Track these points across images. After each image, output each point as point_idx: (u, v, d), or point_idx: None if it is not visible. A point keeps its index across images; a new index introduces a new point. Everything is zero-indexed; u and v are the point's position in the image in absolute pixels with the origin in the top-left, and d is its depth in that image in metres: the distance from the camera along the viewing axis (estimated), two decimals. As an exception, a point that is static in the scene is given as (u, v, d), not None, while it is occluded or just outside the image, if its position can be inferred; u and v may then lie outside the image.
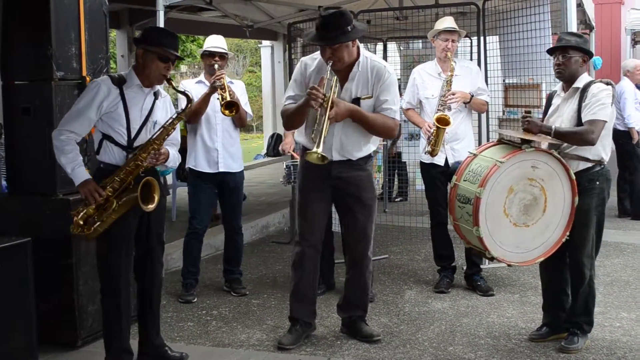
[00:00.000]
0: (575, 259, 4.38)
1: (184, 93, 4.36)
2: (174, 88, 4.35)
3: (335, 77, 4.23)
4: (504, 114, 7.22)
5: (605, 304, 5.30)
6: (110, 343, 4.05)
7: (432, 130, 5.48)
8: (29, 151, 4.61)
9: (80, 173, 3.84)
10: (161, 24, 6.13)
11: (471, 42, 7.74)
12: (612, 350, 4.43)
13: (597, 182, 4.31)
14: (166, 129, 4.01)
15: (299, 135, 4.62)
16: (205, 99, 5.34)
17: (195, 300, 5.58)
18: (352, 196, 4.51)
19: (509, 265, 4.49)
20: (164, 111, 4.16)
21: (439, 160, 5.62)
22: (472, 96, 5.62)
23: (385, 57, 9.77)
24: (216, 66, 5.44)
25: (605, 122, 4.20)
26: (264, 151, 16.95)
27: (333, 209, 4.72)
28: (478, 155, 4.44)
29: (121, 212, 3.87)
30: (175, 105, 5.04)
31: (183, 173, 7.32)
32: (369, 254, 4.66)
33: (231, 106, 5.34)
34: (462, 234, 4.46)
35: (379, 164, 9.77)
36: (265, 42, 16.88)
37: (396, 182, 10.47)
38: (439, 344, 4.58)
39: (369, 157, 4.58)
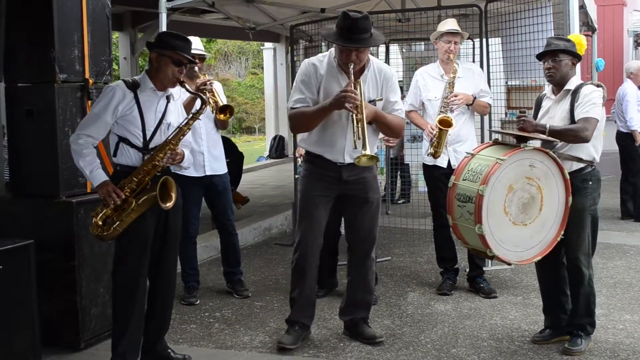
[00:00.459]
0: (572, 258, 4.40)
1: (198, 95, 4.39)
2: (187, 90, 4.37)
3: (360, 80, 4.29)
4: (506, 115, 7.23)
5: (609, 306, 5.29)
6: (119, 340, 4.05)
7: (434, 132, 5.48)
8: (32, 153, 4.61)
9: (98, 175, 3.90)
10: (164, 26, 6.14)
11: (473, 44, 7.73)
12: (615, 353, 4.42)
13: (590, 182, 4.38)
14: (182, 130, 4.08)
15: (302, 141, 4.61)
16: (191, 103, 5.26)
17: (198, 302, 5.59)
18: (360, 197, 4.54)
19: (508, 264, 4.49)
20: (177, 114, 4.23)
21: (442, 162, 5.62)
22: (475, 98, 5.62)
23: (387, 59, 9.77)
24: (196, 68, 5.42)
25: (598, 120, 4.27)
26: (267, 153, 16.98)
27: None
28: (476, 155, 4.46)
29: (140, 211, 3.93)
30: None
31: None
32: (372, 255, 4.67)
33: (225, 109, 5.38)
34: (461, 235, 4.46)
35: (381, 166, 9.79)
36: (268, 44, 16.91)
37: (399, 184, 10.47)
38: (441, 346, 4.58)
39: None
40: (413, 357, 4.41)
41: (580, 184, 4.35)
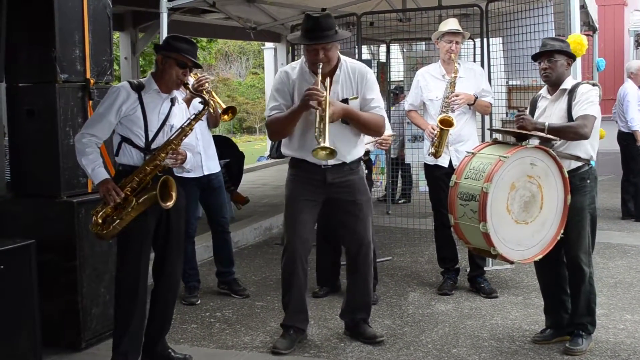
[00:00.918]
0: (573, 257, 4.41)
1: (200, 96, 4.41)
2: (191, 92, 4.44)
3: (328, 78, 4.27)
4: (507, 115, 7.22)
5: (609, 306, 5.29)
6: (121, 341, 4.05)
7: (435, 132, 5.48)
8: (33, 153, 4.62)
9: (99, 173, 3.92)
10: (164, 26, 6.14)
11: (474, 44, 7.74)
12: (616, 353, 4.42)
13: (588, 181, 4.40)
14: (184, 130, 4.10)
15: (285, 148, 4.60)
16: (188, 102, 5.24)
17: (199, 302, 5.59)
18: (348, 200, 4.53)
19: (511, 263, 4.49)
20: (181, 117, 4.25)
21: (443, 161, 5.62)
22: (476, 98, 5.62)
23: (388, 59, 9.78)
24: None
25: (596, 117, 4.29)
26: (267, 153, 16.97)
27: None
28: (477, 154, 4.45)
29: (140, 210, 3.94)
30: None
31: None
32: (369, 257, 4.66)
33: (228, 110, 5.40)
34: (462, 234, 4.45)
35: (382, 166, 9.80)
36: (269, 44, 16.91)
37: (399, 184, 10.47)
38: (442, 346, 4.58)
39: (359, 161, 4.62)
40: (414, 357, 4.41)
41: (578, 182, 4.37)
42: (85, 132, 3.99)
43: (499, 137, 4.69)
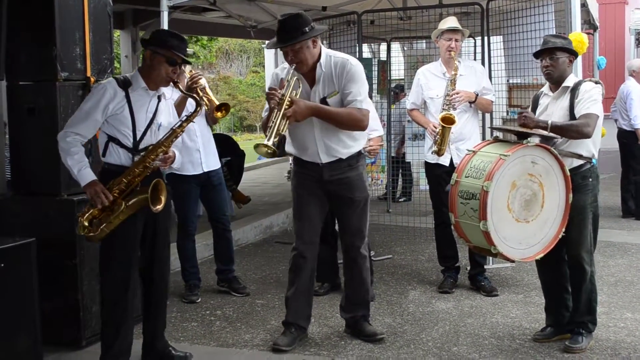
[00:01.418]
0: (574, 255, 4.40)
1: (192, 97, 4.37)
2: (181, 91, 4.35)
3: (296, 77, 4.22)
4: (507, 114, 7.22)
5: (610, 305, 5.29)
6: (112, 344, 4.01)
7: (437, 130, 5.48)
8: (34, 151, 4.62)
9: (86, 174, 3.84)
10: (165, 24, 6.14)
11: (475, 42, 7.73)
12: (616, 351, 4.42)
13: (590, 179, 4.39)
14: (175, 132, 4.03)
15: (288, 146, 4.60)
16: (183, 102, 5.22)
17: (199, 300, 5.59)
18: (345, 197, 4.52)
19: (512, 262, 4.48)
20: (167, 114, 4.18)
21: (444, 160, 5.61)
22: (477, 95, 5.61)
23: (389, 58, 9.78)
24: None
25: (598, 116, 4.27)
26: (268, 151, 16.95)
27: None
28: (477, 152, 4.45)
29: (129, 213, 3.88)
30: None
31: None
32: (364, 252, 4.65)
33: (221, 107, 5.40)
34: (463, 233, 4.45)
35: (382, 164, 9.80)
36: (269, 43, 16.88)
37: (400, 182, 10.47)
38: (443, 344, 4.58)
39: (359, 155, 4.57)
40: (414, 355, 4.42)
41: (581, 180, 4.36)
42: (69, 130, 3.87)
43: (500, 135, 4.68)
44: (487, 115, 6.47)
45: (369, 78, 9.54)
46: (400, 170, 10.24)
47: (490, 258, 6.04)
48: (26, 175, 4.69)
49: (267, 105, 4.39)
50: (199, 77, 5.28)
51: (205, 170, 5.54)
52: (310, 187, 4.53)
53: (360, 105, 4.33)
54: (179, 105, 5.28)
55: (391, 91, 9.83)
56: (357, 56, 7.41)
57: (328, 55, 4.37)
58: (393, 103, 9.86)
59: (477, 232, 4.22)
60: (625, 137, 8.87)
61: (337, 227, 5.36)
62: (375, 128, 5.69)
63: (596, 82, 4.39)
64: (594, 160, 4.43)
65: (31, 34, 4.59)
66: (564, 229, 4.33)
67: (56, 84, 4.48)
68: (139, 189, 3.92)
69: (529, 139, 4.26)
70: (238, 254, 6.80)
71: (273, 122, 4.05)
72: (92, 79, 4.64)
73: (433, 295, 5.67)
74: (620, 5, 14.12)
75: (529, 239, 4.28)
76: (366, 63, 9.19)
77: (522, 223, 4.24)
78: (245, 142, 24.47)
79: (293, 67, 4.20)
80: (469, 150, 4.55)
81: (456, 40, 5.61)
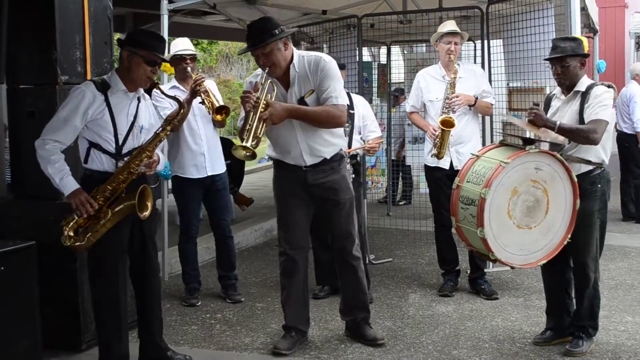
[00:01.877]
0: (579, 262, 4.37)
1: (174, 98, 4.31)
2: (162, 93, 4.27)
3: (270, 80, 4.19)
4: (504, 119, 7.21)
5: (610, 308, 5.29)
6: (108, 349, 4.00)
7: (437, 133, 5.48)
8: (34, 155, 4.59)
9: (69, 183, 3.77)
10: (165, 28, 6.15)
11: (475, 46, 7.74)
12: (616, 354, 4.42)
13: (599, 185, 4.31)
14: (158, 136, 3.96)
15: (269, 149, 4.57)
16: (188, 105, 5.23)
17: (199, 303, 5.59)
18: (330, 200, 4.49)
19: (512, 268, 4.48)
20: (148, 114, 4.11)
21: (444, 163, 5.61)
22: (477, 99, 5.61)
23: (389, 61, 9.78)
24: (189, 69, 5.40)
25: (608, 122, 4.20)
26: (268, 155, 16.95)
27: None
28: (481, 156, 4.44)
29: (115, 220, 3.82)
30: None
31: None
32: (356, 254, 4.63)
33: (222, 110, 5.35)
34: (465, 236, 4.45)
35: (382, 168, 9.81)
36: (269, 46, 16.85)
37: (400, 186, 10.47)
38: (443, 348, 4.58)
39: (341, 158, 4.55)
40: (414, 359, 4.41)
41: (589, 186, 4.29)
42: (47, 137, 3.76)
43: (508, 139, 4.64)
44: (487, 119, 6.47)
45: (369, 81, 9.58)
46: (401, 174, 10.24)
47: (492, 262, 6.03)
48: (26, 178, 4.68)
49: (242, 113, 4.34)
50: (202, 79, 5.27)
51: (210, 174, 5.51)
52: (294, 191, 4.49)
53: (336, 102, 4.29)
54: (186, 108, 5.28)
55: (391, 95, 9.84)
56: (357, 59, 7.41)
57: (300, 56, 4.34)
58: (393, 106, 9.87)
59: (476, 237, 4.23)
60: (626, 140, 8.87)
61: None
62: (373, 130, 5.70)
63: (608, 86, 4.30)
64: (604, 166, 4.34)
65: (31, 38, 4.59)
66: (570, 236, 4.29)
67: (56, 88, 4.48)
68: (124, 195, 3.85)
69: (532, 145, 4.22)
70: (238, 257, 6.78)
71: (250, 124, 4.01)
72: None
73: (433, 298, 5.67)
74: (620, 9, 14.13)
75: (532, 245, 4.27)
76: (366, 66, 9.21)
77: (524, 229, 4.23)
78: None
79: (266, 70, 4.16)
80: (472, 155, 4.55)
81: (455, 44, 5.61)
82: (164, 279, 6.24)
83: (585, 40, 5.17)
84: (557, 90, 4.54)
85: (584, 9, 7.11)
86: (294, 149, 4.38)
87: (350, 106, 5.59)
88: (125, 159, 3.90)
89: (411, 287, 6.04)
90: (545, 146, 4.39)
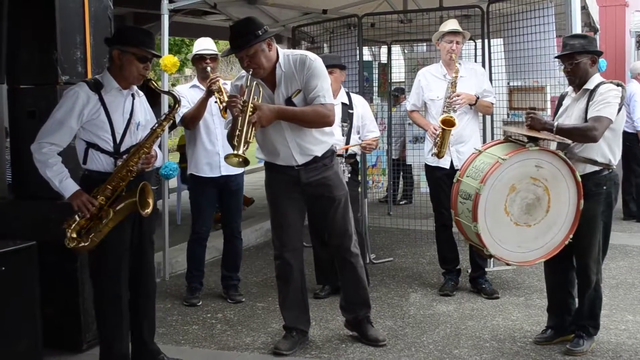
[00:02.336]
0: (581, 263, 4.36)
1: (169, 93, 4.31)
2: (156, 88, 4.21)
3: (256, 82, 4.15)
4: (508, 116, 7.22)
5: (611, 307, 5.28)
6: (110, 349, 3.99)
7: (437, 133, 5.48)
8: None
9: (69, 185, 3.76)
10: (166, 27, 6.15)
11: (475, 45, 7.73)
12: (617, 353, 4.41)
13: (605, 187, 4.26)
14: (155, 132, 3.94)
15: (258, 152, 4.56)
16: (203, 104, 5.29)
17: (200, 303, 5.59)
18: (325, 197, 4.47)
19: (507, 265, 4.47)
20: (144, 111, 4.10)
21: (444, 162, 5.61)
22: (478, 98, 5.61)
23: (389, 60, 9.78)
24: (208, 69, 5.40)
25: (610, 120, 4.15)
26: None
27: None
28: (483, 152, 4.44)
29: (118, 219, 3.82)
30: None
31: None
32: (355, 250, 4.61)
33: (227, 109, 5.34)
34: (463, 230, 4.46)
35: (383, 167, 9.81)
36: (270, 46, 16.84)
37: (401, 185, 10.47)
38: (444, 347, 4.58)
39: (332, 154, 4.52)
40: (415, 358, 4.41)
41: (594, 187, 4.24)
42: (43, 141, 3.74)
43: (513, 135, 4.61)
44: (488, 118, 6.47)
45: (370, 81, 9.57)
46: (401, 173, 10.24)
47: (492, 261, 6.04)
48: (27, 178, 4.68)
49: (229, 117, 4.32)
50: (217, 79, 5.27)
51: (224, 174, 5.49)
52: (287, 193, 4.46)
53: (324, 100, 4.23)
54: (201, 106, 5.29)
55: (391, 94, 9.83)
56: (358, 59, 7.41)
57: (286, 55, 4.28)
58: (393, 106, 9.87)
59: (472, 232, 4.23)
60: (628, 139, 8.85)
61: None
62: (372, 129, 5.70)
63: (617, 85, 4.24)
64: (612, 168, 4.29)
65: (32, 37, 4.59)
66: (571, 236, 4.28)
67: (57, 88, 4.48)
68: (124, 194, 3.84)
69: (538, 142, 4.20)
70: (239, 257, 6.80)
71: (239, 130, 3.96)
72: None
73: (434, 297, 5.67)
74: (620, 7, 14.10)
75: (530, 243, 4.26)
76: (367, 66, 9.20)
77: (522, 227, 4.22)
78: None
79: (250, 72, 4.12)
80: (475, 149, 4.55)
81: (457, 43, 5.61)
82: (165, 279, 6.25)
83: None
84: (569, 88, 4.50)
85: (584, 7, 7.11)
86: (284, 149, 4.35)
87: (349, 105, 5.60)
88: (124, 157, 3.89)
89: (412, 286, 6.04)
90: (553, 145, 4.37)
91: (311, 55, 4.31)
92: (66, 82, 4.51)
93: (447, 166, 5.60)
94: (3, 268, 3.85)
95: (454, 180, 4.49)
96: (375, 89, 10.03)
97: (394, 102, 9.91)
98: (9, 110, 4.76)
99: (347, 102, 5.61)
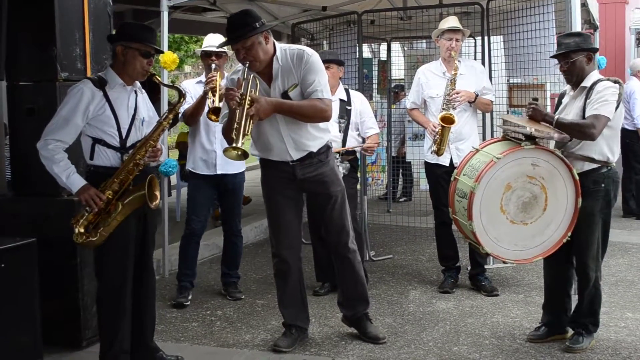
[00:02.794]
0: (581, 261, 4.36)
1: (174, 87, 4.31)
2: (160, 83, 4.27)
3: (253, 74, 4.13)
4: (508, 113, 7.21)
5: (610, 304, 5.29)
6: (111, 344, 3.98)
7: (437, 130, 5.47)
8: (34, 152, 4.58)
9: (76, 180, 3.78)
10: (165, 24, 6.14)
11: (475, 42, 7.72)
12: (617, 351, 4.42)
13: (603, 185, 4.26)
14: (162, 125, 3.97)
15: (252, 149, 4.53)
16: (202, 101, 5.27)
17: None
18: (322, 194, 4.46)
19: (504, 262, 4.47)
20: (146, 107, 4.12)
21: (444, 160, 5.61)
22: (477, 95, 5.61)
23: (389, 58, 9.78)
24: (213, 66, 5.37)
25: (608, 118, 4.14)
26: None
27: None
28: (480, 150, 4.44)
29: (126, 213, 3.84)
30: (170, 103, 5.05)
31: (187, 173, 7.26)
32: (352, 246, 4.60)
33: (218, 111, 5.20)
34: (460, 228, 4.48)
35: (383, 164, 9.80)
36: (269, 43, 16.83)
37: (400, 182, 10.47)
38: (443, 344, 4.58)
39: (328, 149, 4.50)
40: (415, 355, 4.41)
41: (592, 185, 4.24)
42: (49, 138, 3.76)
43: (511, 134, 4.62)
44: (487, 115, 6.46)
45: (370, 78, 9.57)
46: (401, 170, 10.24)
47: (491, 258, 6.04)
48: (26, 175, 4.68)
49: (224, 111, 4.31)
50: (213, 78, 5.25)
51: (220, 172, 5.46)
52: (283, 190, 4.45)
53: (321, 95, 4.22)
54: (200, 104, 5.28)
55: (391, 91, 9.83)
56: (357, 56, 7.41)
57: (283, 49, 4.27)
58: (393, 103, 9.86)
59: (468, 230, 4.24)
60: (628, 136, 8.87)
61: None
62: (371, 126, 5.70)
63: (615, 82, 4.23)
64: (611, 165, 4.28)
65: (31, 34, 4.59)
66: (569, 234, 4.27)
67: (56, 84, 4.48)
68: (132, 187, 3.87)
69: (535, 140, 4.20)
70: (238, 254, 6.81)
71: (237, 123, 3.95)
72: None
73: (433, 295, 5.67)
74: (620, 4, 14.08)
75: (527, 241, 4.27)
76: (366, 63, 9.20)
77: (519, 225, 4.22)
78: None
79: (247, 65, 4.10)
80: (473, 148, 4.56)
81: (457, 40, 5.60)
82: (165, 276, 6.25)
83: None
84: (568, 86, 4.49)
85: (584, 4, 7.10)
86: (279, 144, 4.33)
87: (347, 102, 5.59)
88: (130, 151, 3.92)
89: (411, 283, 6.04)
90: (552, 144, 4.37)
91: (308, 50, 4.30)
92: (65, 78, 4.51)
93: (447, 163, 5.60)
94: (3, 265, 3.86)
95: (451, 179, 4.49)
96: (375, 86, 10.03)
97: (393, 99, 9.90)
98: (8, 107, 4.75)
99: (345, 99, 5.61)
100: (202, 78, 5.60)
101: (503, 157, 4.14)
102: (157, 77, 4.11)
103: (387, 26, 8.81)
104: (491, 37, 6.73)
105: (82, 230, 3.77)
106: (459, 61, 5.58)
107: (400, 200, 10.13)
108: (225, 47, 5.34)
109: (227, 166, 5.48)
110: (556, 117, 4.22)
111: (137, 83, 4.06)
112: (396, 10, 8.36)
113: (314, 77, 4.22)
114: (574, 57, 4.27)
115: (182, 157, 7.90)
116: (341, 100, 5.55)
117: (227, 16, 9.61)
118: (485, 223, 4.18)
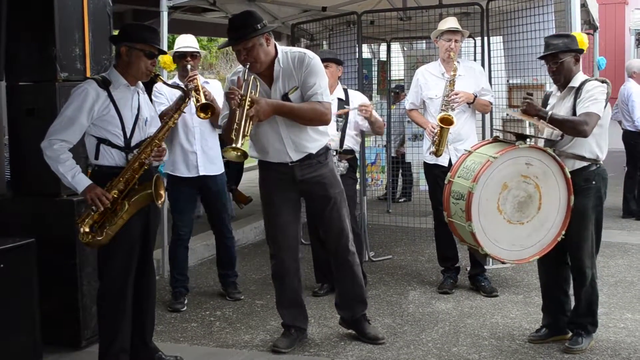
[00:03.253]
0: (576, 259, 4.37)
1: (178, 87, 4.31)
2: (165, 83, 4.29)
3: (253, 75, 4.14)
4: (507, 114, 7.21)
5: (610, 305, 5.29)
6: (111, 344, 3.98)
7: (435, 131, 5.47)
8: (33, 152, 4.58)
9: (82, 179, 3.78)
10: (165, 24, 6.14)
11: (475, 43, 7.72)
12: (616, 352, 4.42)
13: (594, 182, 4.30)
14: (167, 124, 3.99)
15: (251, 150, 4.51)
16: (179, 102, 5.21)
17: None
18: (320, 195, 4.46)
19: (502, 263, 4.47)
20: (148, 107, 4.13)
21: (443, 160, 5.61)
22: (476, 97, 5.61)
23: (389, 58, 9.77)
24: (189, 66, 5.29)
25: (599, 116, 4.18)
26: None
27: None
28: (473, 152, 4.45)
29: (132, 212, 3.85)
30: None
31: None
32: (351, 248, 4.60)
33: (206, 108, 5.14)
34: (457, 231, 4.47)
35: (382, 165, 9.80)
36: (269, 43, 16.82)
37: (400, 183, 10.47)
38: (442, 345, 4.58)
39: (327, 151, 4.51)
40: (414, 356, 4.41)
41: (583, 183, 4.28)
42: (54, 138, 3.77)
43: (501, 135, 4.66)
44: (487, 116, 6.46)
45: (369, 78, 9.56)
46: (400, 171, 10.24)
47: (491, 258, 6.03)
48: (26, 175, 4.69)
49: (224, 111, 4.32)
50: (195, 76, 5.19)
51: (202, 174, 5.40)
52: (281, 192, 4.45)
53: (321, 99, 4.24)
54: (177, 104, 5.24)
55: (391, 91, 9.83)
56: (357, 56, 7.41)
57: (284, 52, 4.28)
58: (393, 103, 9.86)
59: (467, 232, 4.24)
60: (632, 138, 8.88)
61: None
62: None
63: (602, 82, 4.28)
64: (600, 163, 4.32)
65: (31, 34, 4.59)
66: (564, 232, 4.30)
67: (56, 85, 4.48)
68: (137, 187, 3.88)
69: (526, 140, 4.23)
70: (238, 254, 6.77)
71: (237, 124, 3.95)
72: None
73: (433, 295, 5.67)
74: (620, 5, 14.12)
75: (524, 240, 4.27)
76: (366, 63, 9.19)
77: (515, 225, 4.23)
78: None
79: (247, 66, 4.10)
80: (465, 150, 4.56)
81: (456, 41, 5.60)
82: (164, 276, 6.24)
83: (584, 37, 5.17)
84: (554, 87, 4.54)
85: (584, 5, 7.10)
86: (278, 145, 4.33)
87: (346, 101, 5.59)
88: (135, 151, 3.93)
89: (411, 284, 6.04)
90: (540, 142, 4.39)
91: (310, 53, 4.31)
92: (65, 79, 4.51)
93: (446, 164, 5.60)
94: (2, 265, 3.86)
95: (445, 182, 4.49)
96: (375, 87, 10.02)
97: (393, 100, 9.90)
98: (8, 107, 4.75)
99: (344, 98, 5.61)
100: (176, 80, 5.48)
101: (499, 157, 4.15)
102: (161, 78, 4.13)
103: (386, 26, 8.80)
104: (491, 38, 6.74)
105: (87, 229, 3.78)
106: (457, 62, 5.58)
107: (400, 200, 10.13)
108: (198, 47, 5.41)
109: (208, 167, 5.42)
110: (550, 112, 4.24)
111: (140, 83, 4.08)
112: (396, 11, 8.36)
113: (315, 80, 4.23)
114: (562, 57, 4.31)
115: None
116: (339, 100, 5.55)
117: (227, 16, 9.63)
118: (484, 223, 4.18)
